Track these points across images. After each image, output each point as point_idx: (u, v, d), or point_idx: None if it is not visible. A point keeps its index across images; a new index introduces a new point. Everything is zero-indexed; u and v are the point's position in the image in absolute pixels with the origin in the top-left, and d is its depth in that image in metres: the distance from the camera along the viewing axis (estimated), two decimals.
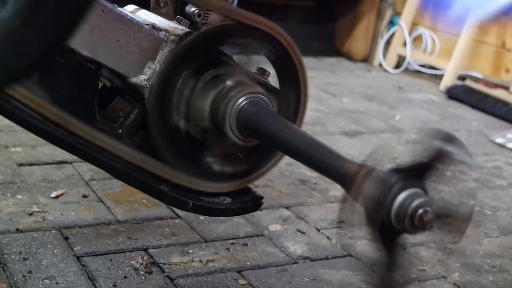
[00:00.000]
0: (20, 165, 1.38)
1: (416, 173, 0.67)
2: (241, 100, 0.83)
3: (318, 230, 1.27)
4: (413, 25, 3.20)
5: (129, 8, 0.91)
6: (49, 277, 0.98)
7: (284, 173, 1.54)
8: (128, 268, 1.04)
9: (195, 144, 0.88)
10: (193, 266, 1.08)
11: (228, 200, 0.89)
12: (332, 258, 1.17)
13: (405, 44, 3.17)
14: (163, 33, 0.85)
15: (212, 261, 1.10)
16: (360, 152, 1.78)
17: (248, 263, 1.11)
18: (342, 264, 1.15)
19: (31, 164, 1.39)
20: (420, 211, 0.65)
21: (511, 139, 2.12)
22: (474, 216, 1.44)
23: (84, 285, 0.98)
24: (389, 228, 0.67)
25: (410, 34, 3.16)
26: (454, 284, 1.13)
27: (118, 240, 1.12)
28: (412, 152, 0.69)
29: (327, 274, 1.11)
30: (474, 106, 2.57)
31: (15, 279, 0.96)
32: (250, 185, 0.93)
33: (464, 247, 1.27)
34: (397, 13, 3.25)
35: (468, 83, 2.76)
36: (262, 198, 0.93)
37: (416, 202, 0.65)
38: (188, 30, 0.87)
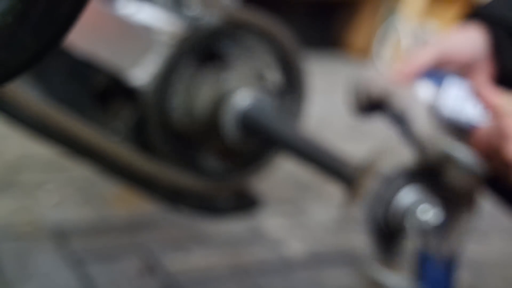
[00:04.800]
0: (18, 164, 1.37)
1: (419, 173, 0.67)
2: (241, 99, 0.83)
3: (318, 230, 1.27)
4: (416, 20, 3.19)
5: (127, 5, 0.90)
6: (46, 278, 0.97)
7: (284, 173, 1.53)
8: (128, 268, 1.03)
9: (195, 144, 0.87)
10: (193, 266, 1.07)
11: (228, 200, 0.89)
12: (332, 258, 1.16)
13: (406, 39, 3.17)
14: (161, 31, 0.84)
15: (212, 261, 1.09)
16: (361, 150, 1.77)
17: (248, 263, 1.10)
18: (342, 264, 1.14)
19: (29, 163, 1.38)
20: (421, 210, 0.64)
21: None
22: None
23: (83, 285, 0.97)
24: (389, 227, 0.66)
25: (412, 29, 3.16)
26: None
27: (118, 240, 1.12)
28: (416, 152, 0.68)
29: (327, 274, 1.10)
30: None
31: (11, 280, 0.96)
32: (250, 185, 0.92)
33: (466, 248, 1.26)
34: (398, 9, 3.25)
35: None
36: (262, 198, 0.92)
37: (417, 202, 0.64)
38: (187, 26, 0.86)
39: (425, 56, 0.66)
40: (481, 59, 0.67)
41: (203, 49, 0.85)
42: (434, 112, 0.63)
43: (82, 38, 0.75)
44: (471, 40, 0.67)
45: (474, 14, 0.68)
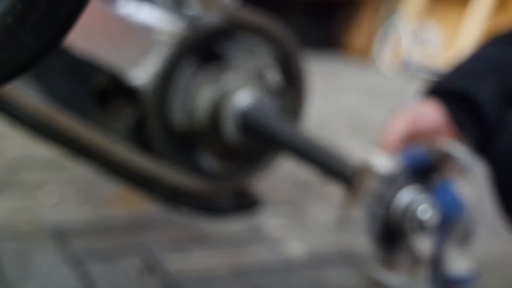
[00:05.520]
0: (18, 164, 1.37)
1: (420, 173, 0.67)
2: (242, 99, 0.83)
3: (318, 230, 1.27)
4: (416, 21, 3.19)
5: (127, 5, 0.90)
6: (47, 278, 0.97)
7: (284, 173, 1.53)
8: (128, 268, 1.03)
9: (195, 145, 0.87)
10: (193, 266, 1.07)
11: (228, 200, 0.89)
12: (332, 258, 1.16)
13: (406, 39, 3.17)
14: (161, 31, 0.84)
15: (212, 261, 1.09)
16: (361, 150, 1.77)
17: (248, 263, 1.10)
18: (342, 264, 1.14)
19: (29, 163, 1.38)
20: (420, 210, 0.64)
21: None
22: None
23: (83, 285, 0.97)
24: (389, 227, 0.66)
25: (412, 29, 3.15)
26: None
27: (118, 240, 1.12)
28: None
29: (327, 274, 1.10)
30: None
31: (12, 280, 0.96)
32: (250, 185, 0.92)
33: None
34: (398, 9, 3.24)
35: None
36: (262, 198, 0.92)
37: (417, 201, 0.64)
38: (187, 26, 0.86)
39: (399, 128, 0.70)
40: (443, 127, 0.71)
41: (203, 49, 0.85)
42: None
43: (82, 38, 0.75)
44: (433, 112, 0.71)
45: (431, 90, 0.71)
